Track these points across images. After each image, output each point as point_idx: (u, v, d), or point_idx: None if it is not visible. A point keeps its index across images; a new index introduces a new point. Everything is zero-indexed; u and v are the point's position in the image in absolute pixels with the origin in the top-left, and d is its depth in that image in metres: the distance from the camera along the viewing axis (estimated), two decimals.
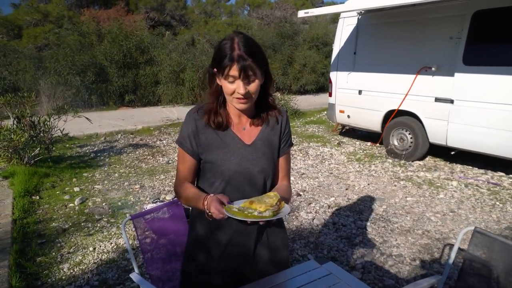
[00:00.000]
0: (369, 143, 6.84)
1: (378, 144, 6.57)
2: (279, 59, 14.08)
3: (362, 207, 4.05)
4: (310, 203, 4.16)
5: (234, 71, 1.21)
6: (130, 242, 3.15)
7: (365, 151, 6.36)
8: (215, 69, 1.29)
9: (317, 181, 4.90)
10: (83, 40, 11.81)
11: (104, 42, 11.76)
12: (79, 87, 10.55)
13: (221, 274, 1.44)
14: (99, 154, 6.29)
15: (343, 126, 7.70)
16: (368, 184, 4.77)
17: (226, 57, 1.21)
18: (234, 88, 1.24)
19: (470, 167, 5.37)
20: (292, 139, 1.46)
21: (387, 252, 3.11)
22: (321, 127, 8.61)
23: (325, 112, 10.18)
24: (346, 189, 4.61)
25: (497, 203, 4.12)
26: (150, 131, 8.10)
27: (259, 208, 1.21)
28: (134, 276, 1.83)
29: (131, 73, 11.69)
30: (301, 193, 4.47)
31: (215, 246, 1.43)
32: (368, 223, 3.65)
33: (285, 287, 1.38)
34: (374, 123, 6.12)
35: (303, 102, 11.47)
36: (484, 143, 4.68)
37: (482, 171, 5.19)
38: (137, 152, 6.44)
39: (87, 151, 6.55)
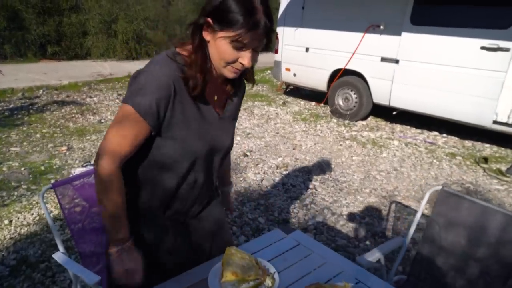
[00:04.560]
0: (313, 103, 6.80)
1: (322, 104, 6.55)
2: None
3: (310, 167, 3.98)
4: (257, 164, 3.99)
5: (252, 40, 0.93)
6: (57, 212, 2.74)
7: (310, 111, 6.31)
8: (209, 19, 0.95)
9: (264, 141, 4.73)
10: None
11: None
12: None
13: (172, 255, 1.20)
14: (15, 112, 5.45)
15: (288, 85, 7.55)
16: (315, 144, 4.72)
17: (246, 17, 0.90)
18: (237, 57, 0.97)
19: (408, 127, 5.57)
20: None
21: (338, 212, 3.08)
22: (265, 87, 8.38)
23: (269, 71, 9.96)
24: (293, 149, 4.51)
25: (434, 161, 4.31)
26: (78, 87, 7.23)
27: (254, 276, 1.07)
28: (59, 256, 1.50)
29: (53, 21, 10.25)
30: (248, 153, 4.28)
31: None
32: (317, 183, 3.59)
33: None
34: (320, 82, 6.03)
35: None
36: (425, 103, 4.81)
37: (419, 130, 5.41)
38: (63, 110, 5.70)
39: (0, 108, 5.64)
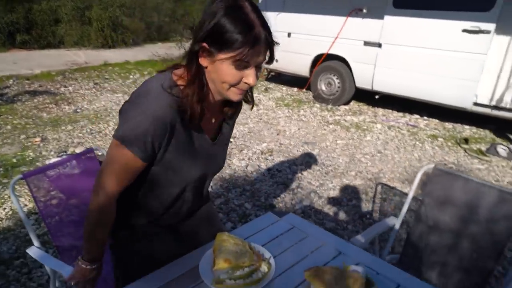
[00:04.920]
0: (295, 89, 6.73)
1: (304, 90, 6.49)
2: (199, 1, 13.02)
3: (295, 152, 3.93)
4: (242, 150, 3.91)
5: (255, 56, 0.87)
6: (32, 206, 2.59)
7: (292, 97, 6.25)
8: (204, 44, 0.87)
9: (247, 127, 4.64)
10: None
11: None
12: None
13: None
14: None
15: (269, 71, 7.46)
16: (299, 129, 4.68)
17: (244, 34, 0.83)
18: (241, 77, 0.89)
19: (390, 110, 5.59)
20: None
21: (325, 195, 3.05)
22: None
23: None
24: (278, 134, 4.45)
25: (417, 143, 4.34)
26: (52, 77, 6.92)
27: (249, 263, 1.00)
28: (34, 251, 1.39)
29: (22, 8, 9.76)
30: (231, 139, 4.19)
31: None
32: (303, 167, 3.55)
33: None
34: (302, 67, 5.95)
35: None
36: (407, 86, 4.82)
37: (401, 114, 5.44)
38: (35, 100, 5.43)
39: None
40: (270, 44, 0.88)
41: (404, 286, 0.99)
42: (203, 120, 1.01)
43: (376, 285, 0.94)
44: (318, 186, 3.20)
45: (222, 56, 0.86)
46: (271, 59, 0.91)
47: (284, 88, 6.85)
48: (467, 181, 1.49)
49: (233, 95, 0.94)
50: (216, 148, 1.09)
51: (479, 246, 1.47)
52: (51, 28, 10.16)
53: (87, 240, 1.04)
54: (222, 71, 0.88)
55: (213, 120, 1.06)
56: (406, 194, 3.12)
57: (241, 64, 0.86)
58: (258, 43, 0.85)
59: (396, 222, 1.65)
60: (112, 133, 1.08)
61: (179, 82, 0.94)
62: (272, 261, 1.02)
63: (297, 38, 5.85)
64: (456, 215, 1.51)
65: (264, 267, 0.99)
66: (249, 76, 0.89)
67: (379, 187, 3.24)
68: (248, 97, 1.04)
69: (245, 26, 0.83)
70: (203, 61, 0.90)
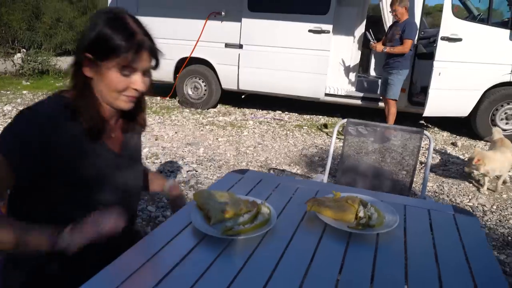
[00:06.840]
0: (159, 98, 6.51)
1: (168, 98, 6.34)
2: (20, 8, 11.20)
3: (181, 153, 3.79)
4: None
5: (140, 61, 0.90)
6: None
7: (158, 105, 6.02)
8: (88, 54, 0.88)
9: None
10: None
11: None
12: None
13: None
14: None
15: None
16: (176, 133, 4.53)
17: (127, 40, 0.87)
18: (129, 84, 0.91)
19: (255, 109, 5.98)
20: None
21: None
22: None
23: None
24: (156, 140, 4.21)
25: (288, 132, 4.78)
26: None
27: (246, 209, 0.94)
28: None
29: None
30: None
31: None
32: (195, 165, 3.45)
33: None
34: (166, 73, 5.78)
35: (64, 63, 9.73)
36: (271, 83, 5.25)
37: (265, 111, 5.89)
38: None
39: None
40: (154, 50, 0.93)
41: (385, 200, 1.07)
42: (103, 133, 0.96)
43: (368, 204, 0.99)
44: (217, 179, 3.16)
45: (107, 63, 0.87)
46: (157, 65, 0.95)
47: (147, 97, 6.53)
48: (375, 126, 1.73)
49: (123, 103, 0.94)
50: (124, 161, 1.03)
51: (395, 177, 1.71)
52: None
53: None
54: (108, 79, 0.89)
55: (113, 134, 1.02)
56: (296, 174, 3.39)
57: (127, 70, 0.89)
58: (141, 48, 0.89)
59: (323, 177, 1.78)
60: None
61: (67, 95, 0.93)
62: (268, 204, 0.96)
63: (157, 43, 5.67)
64: (372, 151, 1.72)
65: (265, 209, 0.92)
66: (136, 81, 0.90)
67: (272, 172, 3.42)
68: (140, 120, 1.06)
69: (127, 34, 0.87)
70: (88, 72, 0.90)
